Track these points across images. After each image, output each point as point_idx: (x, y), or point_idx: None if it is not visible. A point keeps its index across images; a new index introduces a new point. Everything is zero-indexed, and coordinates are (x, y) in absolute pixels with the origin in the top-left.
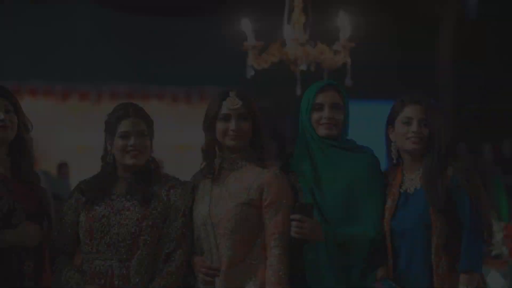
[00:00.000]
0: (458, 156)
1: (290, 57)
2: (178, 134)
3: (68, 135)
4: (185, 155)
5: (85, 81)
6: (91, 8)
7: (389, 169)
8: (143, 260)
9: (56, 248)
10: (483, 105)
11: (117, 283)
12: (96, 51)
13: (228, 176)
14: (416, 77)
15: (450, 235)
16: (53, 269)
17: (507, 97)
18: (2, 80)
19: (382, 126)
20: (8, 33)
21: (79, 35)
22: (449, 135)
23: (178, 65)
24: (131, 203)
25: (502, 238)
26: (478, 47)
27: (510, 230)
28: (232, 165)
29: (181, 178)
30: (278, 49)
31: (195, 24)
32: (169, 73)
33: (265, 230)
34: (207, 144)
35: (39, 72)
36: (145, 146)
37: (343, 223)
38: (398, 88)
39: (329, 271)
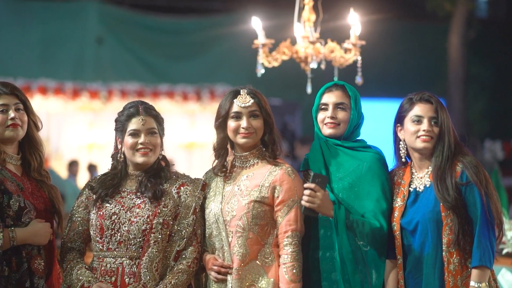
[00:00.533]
0: (466, 153)
1: (300, 55)
2: (188, 132)
3: (79, 133)
4: (195, 153)
5: (95, 80)
6: (101, 7)
7: (397, 168)
8: (154, 258)
9: (67, 246)
10: (493, 103)
11: (127, 280)
12: (106, 49)
13: (239, 174)
14: (426, 75)
15: (461, 232)
16: (64, 266)
17: None
18: (12, 78)
19: (390, 124)
20: (19, 32)
21: (89, 34)
22: (457, 132)
23: (188, 63)
24: (141, 201)
25: None
26: (488, 45)
27: None
28: (244, 163)
29: (191, 175)
30: (288, 47)
31: (205, 22)
32: (179, 71)
33: (278, 228)
34: (219, 142)
35: (49, 71)
36: (156, 144)
37: None
38: (408, 86)
39: (341, 269)
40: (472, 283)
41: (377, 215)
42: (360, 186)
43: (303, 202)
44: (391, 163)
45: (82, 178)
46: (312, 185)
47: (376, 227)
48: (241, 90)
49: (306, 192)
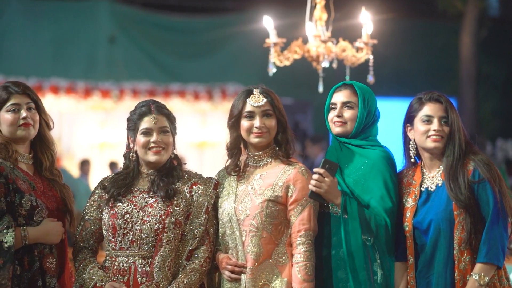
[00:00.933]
0: (477, 151)
1: (312, 54)
2: (199, 131)
3: (90, 132)
4: (206, 152)
5: (107, 79)
6: (113, 6)
7: (407, 169)
8: (166, 257)
9: (79, 245)
10: (504, 102)
11: (140, 280)
12: (118, 48)
13: (253, 173)
14: (437, 74)
15: (473, 231)
16: (76, 266)
17: None
18: (24, 77)
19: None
20: (31, 31)
21: (101, 33)
22: (468, 131)
23: (200, 63)
24: (154, 200)
25: None
26: (500, 44)
27: None
28: (257, 162)
29: (202, 175)
30: (300, 46)
31: (216, 21)
32: (190, 71)
33: (291, 227)
34: (232, 142)
35: (61, 70)
36: (168, 142)
37: None
38: (419, 85)
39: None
40: (472, 276)
41: (381, 212)
42: (364, 183)
43: (310, 186)
44: (401, 162)
45: (95, 177)
46: (321, 170)
47: (380, 223)
48: (254, 90)
49: (315, 176)
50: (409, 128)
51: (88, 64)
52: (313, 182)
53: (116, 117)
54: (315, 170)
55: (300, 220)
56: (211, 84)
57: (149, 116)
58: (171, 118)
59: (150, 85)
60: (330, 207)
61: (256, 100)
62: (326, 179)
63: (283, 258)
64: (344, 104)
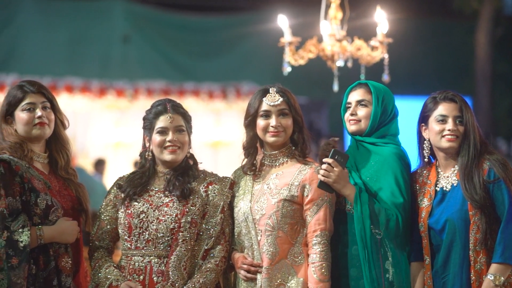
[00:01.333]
0: (492, 151)
1: (327, 53)
2: (213, 131)
3: (105, 131)
4: (220, 152)
5: (122, 78)
6: (127, 5)
7: (421, 168)
8: (182, 257)
9: (95, 244)
10: None
11: (156, 279)
12: (132, 48)
13: (269, 173)
14: (452, 73)
15: (488, 231)
16: (92, 265)
17: None
18: (39, 76)
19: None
20: (45, 31)
21: (115, 32)
22: (483, 131)
23: (214, 62)
24: (170, 199)
25: None
26: None
27: None
28: (273, 161)
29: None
30: (315, 45)
31: (231, 20)
32: (205, 70)
33: (307, 227)
34: (248, 141)
35: (76, 69)
36: (183, 141)
37: None
38: (434, 84)
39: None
40: (488, 276)
41: (392, 207)
42: (377, 180)
43: (319, 176)
44: (415, 161)
45: (109, 177)
46: (330, 160)
47: (391, 217)
48: (270, 89)
49: (324, 166)
50: (423, 127)
51: (102, 63)
52: (321, 172)
53: (131, 116)
54: (324, 160)
55: (316, 220)
56: (225, 83)
57: (165, 115)
58: (186, 117)
59: (165, 84)
60: (345, 204)
61: (272, 99)
62: (335, 169)
63: (299, 258)
64: (358, 103)
